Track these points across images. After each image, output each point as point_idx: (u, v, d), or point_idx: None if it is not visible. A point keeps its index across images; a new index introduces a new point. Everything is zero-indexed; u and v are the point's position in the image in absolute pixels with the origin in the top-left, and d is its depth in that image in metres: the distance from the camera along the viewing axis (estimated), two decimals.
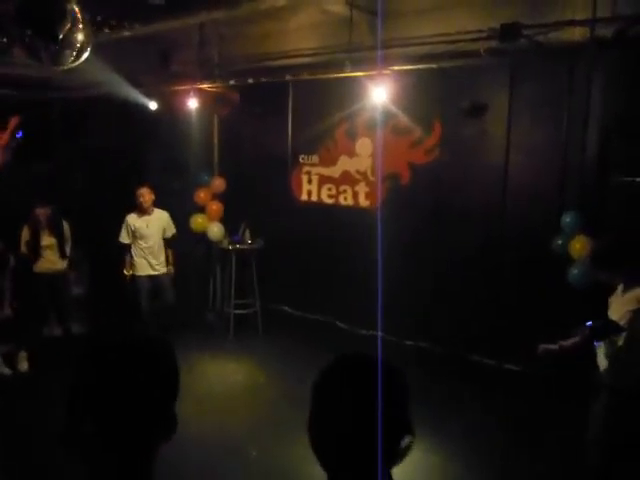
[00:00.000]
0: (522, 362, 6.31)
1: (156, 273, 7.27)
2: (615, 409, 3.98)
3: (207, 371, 6.90)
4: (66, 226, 7.01)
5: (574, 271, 5.39)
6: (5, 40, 3.71)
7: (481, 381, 6.38)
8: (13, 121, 7.30)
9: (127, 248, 7.25)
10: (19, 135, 8.29)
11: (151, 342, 1.40)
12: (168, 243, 7.42)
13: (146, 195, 7.13)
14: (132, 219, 7.21)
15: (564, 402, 5.62)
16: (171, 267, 7.42)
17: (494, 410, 5.82)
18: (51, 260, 6.87)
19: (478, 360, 6.71)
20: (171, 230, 7.44)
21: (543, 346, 4.30)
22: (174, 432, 1.34)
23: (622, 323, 3.84)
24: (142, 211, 7.19)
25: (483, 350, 6.66)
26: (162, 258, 7.33)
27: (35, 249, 6.77)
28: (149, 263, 7.23)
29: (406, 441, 1.32)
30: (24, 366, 6.69)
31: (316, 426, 1.35)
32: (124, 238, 7.23)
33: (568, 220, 5.52)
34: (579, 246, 5.36)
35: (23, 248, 6.79)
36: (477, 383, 6.35)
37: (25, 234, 6.80)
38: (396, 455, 1.32)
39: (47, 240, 6.83)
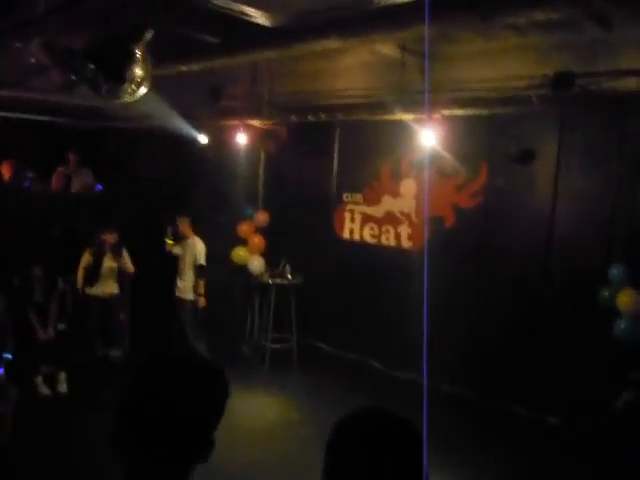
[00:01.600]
0: (562, 415, 6.13)
1: (179, 296, 7.59)
2: None
3: (239, 403, 6.84)
4: (125, 252, 7.26)
5: (621, 325, 5.24)
6: (74, 78, 3.85)
7: (516, 431, 6.20)
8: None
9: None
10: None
11: (209, 369, 1.45)
12: (199, 273, 7.58)
13: (184, 225, 7.58)
14: (169, 244, 7.66)
15: (602, 460, 5.43)
16: (202, 298, 7.56)
17: (528, 464, 5.63)
18: (108, 284, 7.11)
19: (517, 410, 6.52)
20: (202, 259, 7.60)
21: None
22: (209, 456, 1.39)
23: None
24: (178, 238, 7.64)
25: (523, 401, 6.48)
26: (187, 284, 7.57)
27: (96, 273, 6.99)
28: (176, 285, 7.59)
29: None
30: (63, 387, 6.77)
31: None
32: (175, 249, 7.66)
33: (616, 272, 5.40)
34: (626, 299, 5.22)
35: (80, 272, 7.01)
36: (512, 433, 6.17)
37: (87, 258, 7.04)
38: None
39: (109, 264, 7.08)
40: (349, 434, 1.35)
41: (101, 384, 6.16)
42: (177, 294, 7.61)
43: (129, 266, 7.39)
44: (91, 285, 7.05)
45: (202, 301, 7.54)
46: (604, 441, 5.56)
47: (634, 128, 5.53)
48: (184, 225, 7.58)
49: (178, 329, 7.56)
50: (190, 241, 7.60)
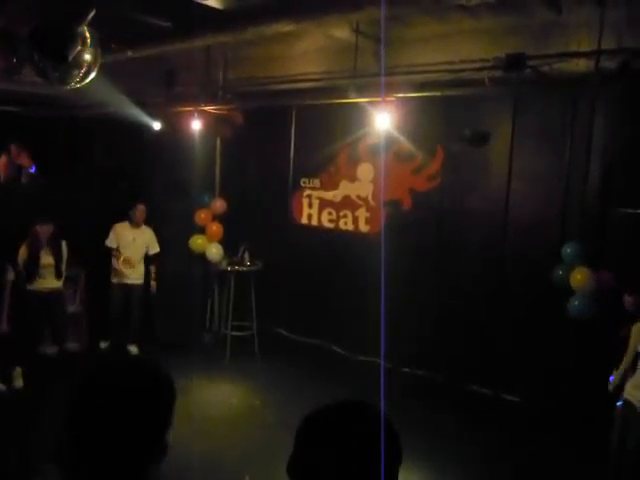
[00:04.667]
0: (521, 393, 6.27)
1: (131, 282, 7.63)
2: None
3: (202, 392, 6.83)
4: (64, 246, 7.00)
5: (575, 302, 5.35)
6: (15, 60, 3.72)
7: (478, 411, 6.31)
8: (25, 156, 7.46)
9: (112, 253, 7.64)
10: (33, 170, 8.37)
11: (151, 372, 1.40)
12: (151, 260, 7.81)
13: (141, 212, 7.66)
14: (121, 228, 7.65)
15: (560, 434, 5.58)
16: (153, 283, 7.82)
17: (490, 441, 5.75)
18: (48, 280, 6.86)
19: (476, 390, 6.64)
20: (154, 248, 7.82)
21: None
22: (164, 458, 1.36)
23: None
24: (133, 224, 7.67)
25: (481, 380, 6.60)
26: (139, 271, 7.70)
27: (34, 268, 6.74)
28: (125, 273, 7.58)
29: None
30: (19, 382, 6.62)
31: (296, 471, 1.31)
32: (112, 242, 7.64)
33: (569, 251, 5.50)
34: (580, 277, 5.33)
35: (20, 266, 6.75)
36: (474, 413, 6.28)
37: (23, 252, 6.76)
38: None
39: (46, 259, 6.81)
40: (319, 425, 1.34)
41: (56, 379, 6.02)
42: (124, 280, 7.62)
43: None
44: (30, 280, 6.79)
45: (154, 285, 7.82)
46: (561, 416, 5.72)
47: (584, 109, 5.64)
48: (140, 212, 7.65)
49: (126, 314, 7.70)
50: (143, 228, 7.74)
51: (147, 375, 1.39)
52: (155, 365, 1.43)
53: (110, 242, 7.64)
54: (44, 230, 6.76)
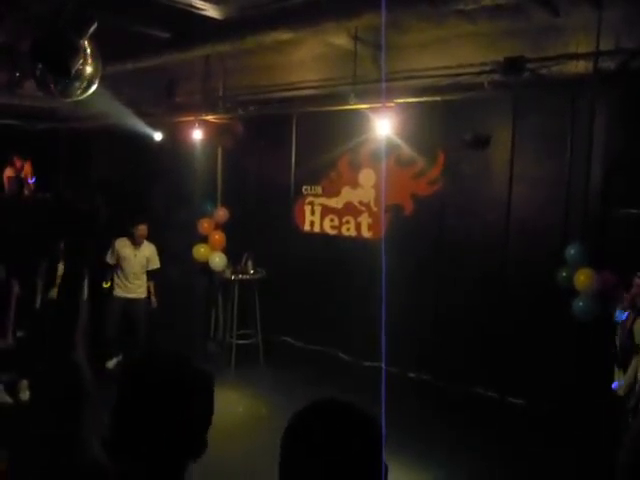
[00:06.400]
0: (525, 395, 6.25)
1: (132, 296, 7.62)
2: None
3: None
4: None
5: (579, 303, 5.35)
6: (18, 74, 3.76)
7: (484, 414, 6.30)
8: (27, 167, 7.49)
9: (111, 268, 7.63)
10: (33, 181, 8.41)
11: (197, 370, 1.53)
12: (150, 275, 7.78)
13: (143, 230, 7.60)
14: (121, 243, 7.59)
15: (565, 436, 5.56)
16: (154, 298, 7.82)
17: (495, 443, 5.74)
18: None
19: (482, 393, 6.63)
20: (155, 264, 7.79)
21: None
22: (203, 453, 1.51)
23: None
24: (134, 242, 7.60)
25: (486, 383, 6.58)
26: (140, 284, 7.70)
27: (52, 279, 6.82)
28: (126, 286, 7.59)
29: None
30: (25, 395, 6.62)
31: (284, 475, 1.31)
32: (111, 259, 7.61)
33: (572, 252, 5.50)
34: (583, 278, 5.33)
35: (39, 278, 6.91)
36: (480, 416, 6.27)
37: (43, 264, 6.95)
38: None
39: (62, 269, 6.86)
40: (303, 427, 1.33)
41: (60, 390, 6.00)
42: (124, 294, 7.60)
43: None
44: (49, 289, 6.84)
45: (154, 301, 7.82)
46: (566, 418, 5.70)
47: (584, 110, 5.64)
48: (142, 231, 7.60)
49: (130, 329, 7.65)
50: (144, 245, 7.70)
51: (192, 371, 1.51)
52: (198, 364, 1.56)
53: (110, 259, 7.61)
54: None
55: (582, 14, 5.02)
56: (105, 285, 7.56)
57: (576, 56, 5.13)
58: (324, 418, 1.33)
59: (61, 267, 6.85)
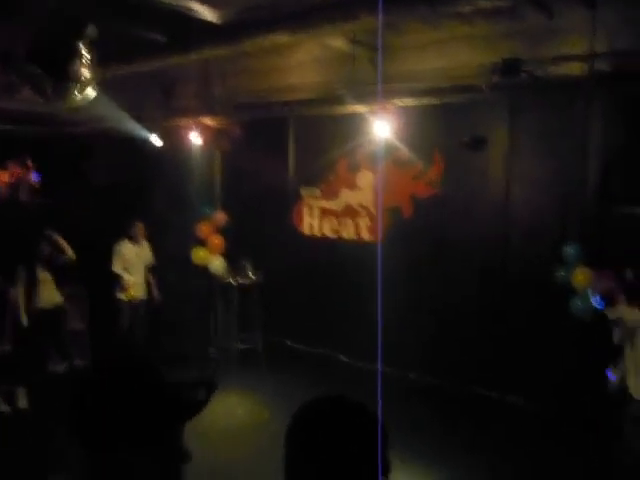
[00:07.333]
0: (525, 395, 6.26)
1: (137, 297, 7.68)
2: None
3: (210, 405, 6.80)
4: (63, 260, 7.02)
5: (577, 302, 5.36)
6: (14, 78, 3.76)
7: (484, 414, 6.31)
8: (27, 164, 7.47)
9: (121, 275, 7.61)
10: (36, 178, 8.41)
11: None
12: (149, 270, 7.88)
13: (141, 228, 7.71)
14: (124, 247, 7.62)
15: (565, 436, 5.57)
16: (156, 291, 7.92)
17: (495, 443, 5.74)
18: (48, 295, 6.88)
19: (482, 393, 6.63)
20: (152, 260, 7.92)
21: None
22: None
23: None
24: (134, 240, 7.67)
25: (486, 383, 6.59)
26: (143, 286, 7.80)
27: (33, 284, 6.76)
28: (134, 289, 7.65)
29: None
30: (23, 403, 6.60)
31: (288, 471, 1.33)
32: (118, 267, 7.59)
33: (570, 251, 5.51)
34: (581, 277, 5.34)
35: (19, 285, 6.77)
36: (480, 416, 6.28)
37: (21, 270, 6.78)
38: None
39: (42, 275, 6.83)
40: (305, 421, 1.36)
41: (62, 398, 5.98)
42: (125, 296, 7.61)
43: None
44: (32, 297, 6.79)
45: (156, 294, 7.90)
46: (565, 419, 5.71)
47: (579, 111, 5.66)
48: (140, 229, 7.68)
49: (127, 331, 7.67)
50: (143, 243, 7.78)
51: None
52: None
53: (116, 267, 7.59)
54: (44, 249, 6.84)
55: (576, 16, 5.04)
56: (124, 295, 7.55)
57: (571, 57, 5.14)
58: (322, 413, 1.37)
59: (41, 273, 6.82)
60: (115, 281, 7.61)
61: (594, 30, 4.90)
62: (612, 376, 4.68)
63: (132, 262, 7.64)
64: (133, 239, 7.66)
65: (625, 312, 4.52)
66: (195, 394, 1.43)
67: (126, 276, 7.56)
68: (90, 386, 1.37)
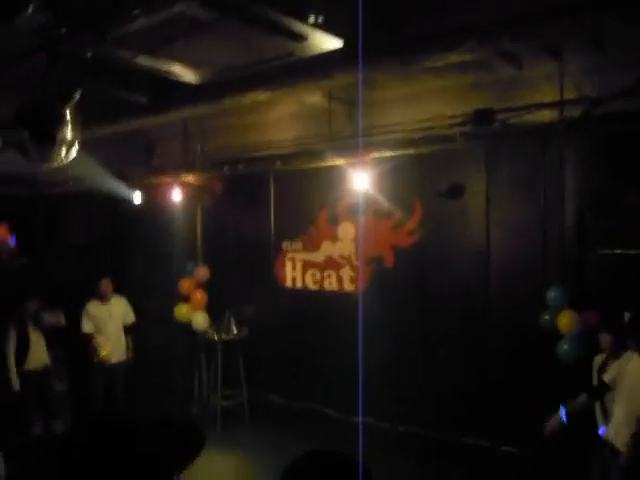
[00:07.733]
0: (517, 443, 6.19)
1: (114, 361, 7.43)
2: None
3: (194, 465, 6.64)
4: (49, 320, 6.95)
5: (564, 346, 5.38)
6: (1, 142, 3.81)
7: (476, 464, 6.22)
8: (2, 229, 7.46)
9: (91, 337, 7.38)
10: (13, 242, 8.37)
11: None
12: (128, 330, 7.65)
13: (107, 285, 7.46)
14: (93, 307, 7.43)
15: None
16: (130, 354, 7.64)
17: None
18: (38, 356, 6.79)
19: (472, 443, 6.55)
20: (130, 317, 7.69)
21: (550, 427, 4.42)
22: None
23: None
24: (102, 298, 7.45)
25: (477, 432, 6.52)
26: (122, 344, 7.56)
27: (25, 345, 6.66)
28: (110, 351, 7.39)
29: None
30: (1, 469, 6.38)
31: None
32: (88, 327, 7.38)
33: (553, 295, 5.56)
34: (566, 321, 5.37)
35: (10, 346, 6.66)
36: (472, 466, 6.19)
37: (11, 330, 6.69)
38: None
39: (34, 335, 6.76)
40: (296, 478, 1.39)
41: (42, 462, 5.82)
42: (96, 358, 7.37)
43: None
44: (24, 357, 6.68)
45: (131, 357, 7.64)
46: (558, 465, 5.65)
47: (553, 156, 5.81)
48: (105, 285, 7.49)
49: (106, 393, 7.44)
50: (113, 300, 7.57)
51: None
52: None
53: (86, 327, 7.41)
54: (30, 306, 6.77)
55: (544, 66, 5.24)
56: (95, 356, 7.33)
57: (542, 105, 5.32)
58: (313, 469, 1.43)
59: (32, 333, 6.73)
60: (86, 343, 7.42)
61: (562, 79, 5.10)
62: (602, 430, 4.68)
63: (104, 321, 7.43)
64: (101, 297, 7.47)
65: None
66: (177, 454, 1.46)
67: (96, 337, 7.36)
68: (68, 452, 1.38)
